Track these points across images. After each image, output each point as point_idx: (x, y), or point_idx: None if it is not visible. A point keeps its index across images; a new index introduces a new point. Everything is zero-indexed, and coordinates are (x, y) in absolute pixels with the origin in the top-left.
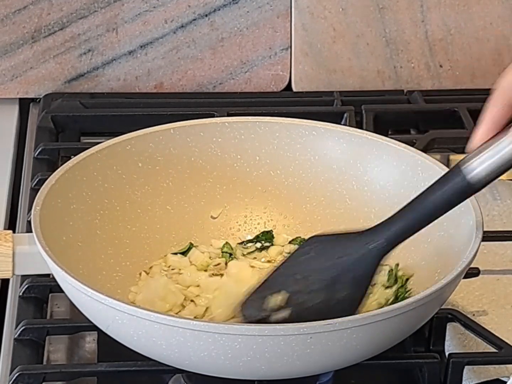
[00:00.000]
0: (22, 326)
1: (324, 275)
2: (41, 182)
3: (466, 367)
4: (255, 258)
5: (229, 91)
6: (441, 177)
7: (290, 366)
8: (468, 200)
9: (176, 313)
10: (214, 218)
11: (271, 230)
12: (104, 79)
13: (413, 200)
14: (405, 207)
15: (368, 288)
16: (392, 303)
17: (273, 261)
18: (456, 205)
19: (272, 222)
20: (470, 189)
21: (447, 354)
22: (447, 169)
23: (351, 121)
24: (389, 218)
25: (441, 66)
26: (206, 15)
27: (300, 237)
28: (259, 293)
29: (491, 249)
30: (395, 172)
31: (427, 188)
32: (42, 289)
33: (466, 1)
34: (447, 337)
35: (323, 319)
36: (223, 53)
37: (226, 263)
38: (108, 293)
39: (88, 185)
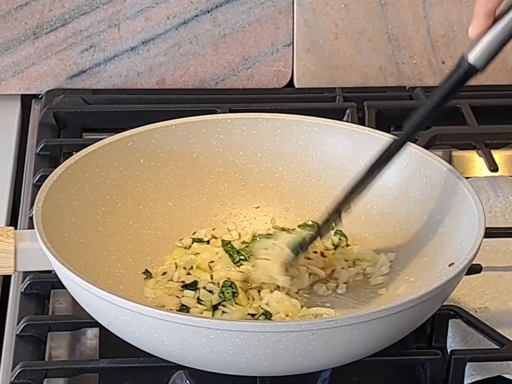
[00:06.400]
0: (24, 323)
1: None
2: (43, 178)
3: (468, 363)
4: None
5: (231, 87)
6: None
7: (292, 363)
8: (470, 196)
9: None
10: (216, 214)
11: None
12: (106, 75)
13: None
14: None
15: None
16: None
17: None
18: (461, 87)
19: (274, 219)
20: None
21: (449, 350)
22: (449, 166)
23: (353, 118)
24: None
25: (443, 62)
26: (208, 11)
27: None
28: None
29: (493, 245)
30: (397, 168)
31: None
32: (44, 286)
33: None
34: (449, 334)
35: None
36: (225, 49)
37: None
38: (110, 290)
39: (90, 182)
